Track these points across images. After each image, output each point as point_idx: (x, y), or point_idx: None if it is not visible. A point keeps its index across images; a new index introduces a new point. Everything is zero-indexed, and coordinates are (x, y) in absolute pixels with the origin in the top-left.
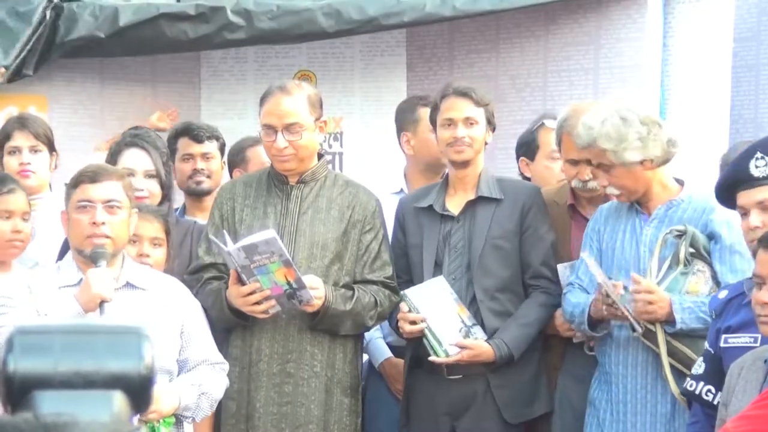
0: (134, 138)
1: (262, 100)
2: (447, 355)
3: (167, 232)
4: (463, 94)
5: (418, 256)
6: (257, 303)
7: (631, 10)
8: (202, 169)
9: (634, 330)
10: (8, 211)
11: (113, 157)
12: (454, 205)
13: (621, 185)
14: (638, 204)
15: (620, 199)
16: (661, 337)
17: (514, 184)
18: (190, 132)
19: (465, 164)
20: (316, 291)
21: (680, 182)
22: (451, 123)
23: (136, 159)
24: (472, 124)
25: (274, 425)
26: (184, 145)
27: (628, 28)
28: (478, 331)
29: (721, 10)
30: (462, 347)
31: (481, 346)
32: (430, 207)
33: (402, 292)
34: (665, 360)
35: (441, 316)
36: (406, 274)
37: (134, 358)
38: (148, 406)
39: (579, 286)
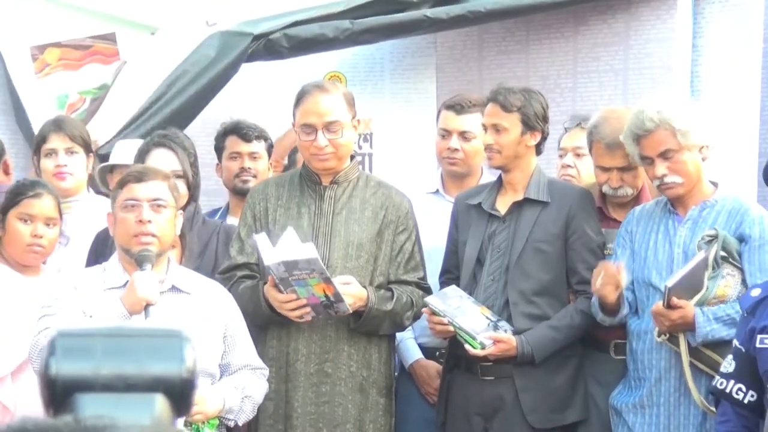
0: (162, 138)
1: (299, 99)
2: (483, 347)
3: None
4: (494, 100)
5: (464, 252)
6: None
7: (661, 10)
8: (249, 168)
9: (659, 335)
10: (29, 215)
11: (141, 157)
12: (503, 204)
13: (685, 171)
14: (672, 205)
15: (676, 190)
16: (683, 346)
17: (564, 187)
18: (239, 131)
19: (502, 169)
20: (352, 291)
21: (714, 184)
22: (485, 128)
23: (163, 159)
24: (499, 131)
25: (312, 425)
26: (232, 143)
27: (658, 28)
28: (504, 324)
29: (750, 11)
30: (497, 341)
31: (511, 339)
32: (479, 205)
33: (424, 300)
34: (687, 367)
35: (466, 315)
36: (458, 270)
37: (176, 362)
38: (190, 410)
39: None
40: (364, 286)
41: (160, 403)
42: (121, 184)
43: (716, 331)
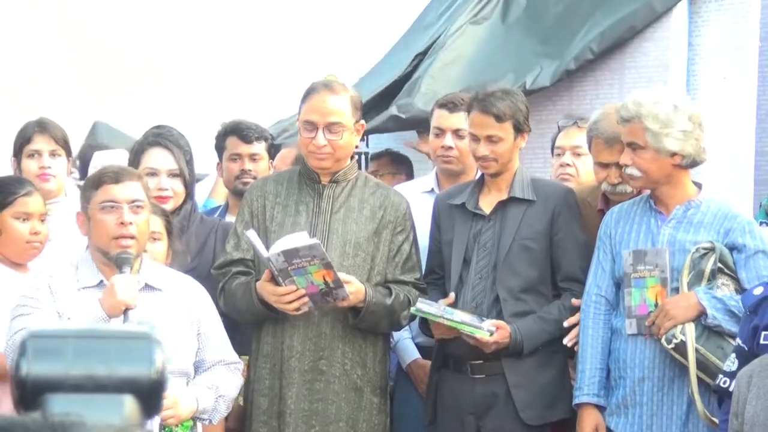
0: (157, 137)
1: (306, 96)
2: (491, 333)
3: (167, 229)
4: (486, 111)
5: (450, 253)
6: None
7: None
8: (250, 170)
9: (668, 342)
10: (27, 213)
11: (136, 156)
12: (487, 204)
13: (645, 169)
14: (654, 202)
15: (636, 184)
16: (691, 355)
17: (547, 185)
18: (239, 131)
19: (493, 176)
20: (351, 287)
21: (698, 185)
22: (475, 138)
23: (159, 158)
24: (494, 141)
25: (305, 422)
26: (233, 144)
27: (654, 27)
28: (488, 323)
29: (747, 9)
30: (498, 327)
31: (507, 327)
32: (463, 205)
33: (412, 309)
34: (694, 379)
35: (455, 314)
36: (441, 270)
37: (145, 363)
38: (159, 411)
39: (597, 295)
40: (362, 283)
41: (129, 403)
42: (96, 185)
43: (720, 311)
